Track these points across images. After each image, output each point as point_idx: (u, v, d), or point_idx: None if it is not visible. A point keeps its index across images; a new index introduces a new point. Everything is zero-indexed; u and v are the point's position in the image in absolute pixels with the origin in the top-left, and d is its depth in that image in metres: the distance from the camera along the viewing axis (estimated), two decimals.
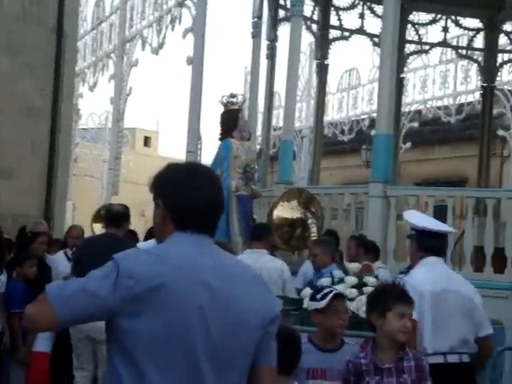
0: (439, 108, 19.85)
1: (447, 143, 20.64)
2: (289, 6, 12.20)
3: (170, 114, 72.96)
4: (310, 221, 9.20)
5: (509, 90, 18.16)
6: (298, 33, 11.34)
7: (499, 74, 15.81)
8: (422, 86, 19.32)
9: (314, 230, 9.14)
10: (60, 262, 8.18)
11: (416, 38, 15.29)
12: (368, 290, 6.06)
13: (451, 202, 9.68)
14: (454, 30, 15.36)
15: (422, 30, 15.32)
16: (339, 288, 5.29)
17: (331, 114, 21.01)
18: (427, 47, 15.73)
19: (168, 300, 2.23)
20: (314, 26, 14.30)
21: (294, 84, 11.73)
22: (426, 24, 15.24)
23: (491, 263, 9.01)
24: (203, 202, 2.38)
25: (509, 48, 15.74)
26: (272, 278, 6.51)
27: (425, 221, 5.06)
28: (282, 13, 13.32)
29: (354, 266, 6.71)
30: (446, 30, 15.15)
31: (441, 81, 18.95)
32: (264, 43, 13.21)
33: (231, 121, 8.95)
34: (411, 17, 14.98)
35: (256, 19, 13.08)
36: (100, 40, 17.13)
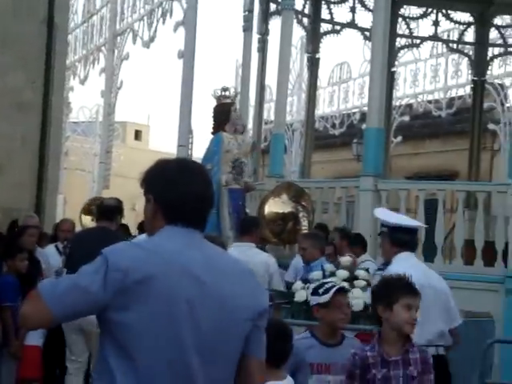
0: (430, 102, 19.88)
1: (438, 137, 20.69)
2: None
3: (161, 107, 72.86)
4: (300, 214, 9.22)
5: (499, 84, 18.21)
6: (289, 26, 11.34)
7: (490, 67, 15.84)
8: (412, 80, 19.33)
9: (304, 223, 9.16)
10: (51, 255, 8.19)
11: (407, 32, 15.30)
12: (360, 283, 6.10)
13: (442, 196, 9.71)
14: (444, 24, 15.42)
15: (412, 24, 15.33)
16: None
17: (322, 108, 21.00)
18: (418, 41, 15.75)
19: (156, 292, 2.26)
20: (305, 20, 14.29)
21: (286, 78, 11.74)
22: (417, 18, 15.26)
23: (481, 256, 9.04)
24: (193, 198, 2.42)
25: (499, 42, 15.79)
26: (258, 272, 6.52)
27: (395, 217, 5.21)
28: (273, 6, 13.31)
29: (346, 260, 6.73)
30: (436, 23, 15.17)
31: (432, 75, 18.97)
32: (255, 37, 13.20)
33: (223, 114, 8.93)
34: (402, 10, 15.01)
35: (247, 13, 13.06)
36: (91, 33, 17.05)
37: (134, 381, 2.24)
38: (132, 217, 19.69)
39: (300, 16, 13.97)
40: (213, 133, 8.99)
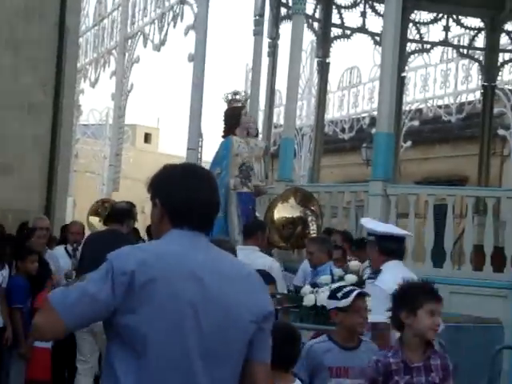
0: (440, 107, 19.84)
1: (448, 142, 20.64)
2: (291, 4, 12.21)
3: (170, 110, 73.01)
4: (309, 219, 9.21)
5: (509, 90, 18.16)
6: (300, 31, 11.34)
7: (500, 73, 15.82)
8: (422, 85, 19.32)
9: (313, 228, 9.15)
10: (61, 257, 8.21)
11: (417, 37, 15.31)
12: None
13: (451, 201, 9.70)
14: (455, 29, 15.41)
15: (423, 29, 15.34)
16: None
17: (332, 112, 21.01)
18: (428, 46, 15.73)
19: (161, 295, 2.28)
20: (316, 24, 14.31)
21: (295, 82, 11.73)
22: (428, 23, 15.26)
23: (491, 262, 9.03)
24: (199, 203, 2.45)
25: (510, 48, 15.77)
26: None
27: (382, 226, 5.28)
28: (283, 11, 13.33)
29: (354, 264, 6.73)
30: (447, 29, 15.16)
31: (442, 80, 18.96)
32: (266, 41, 13.23)
33: (234, 118, 8.92)
34: (413, 16, 15.01)
35: (258, 17, 13.09)
36: (102, 36, 17.13)
37: (139, 383, 2.27)
38: (141, 220, 19.70)
39: (310, 20, 13.98)
40: (223, 136, 8.99)
